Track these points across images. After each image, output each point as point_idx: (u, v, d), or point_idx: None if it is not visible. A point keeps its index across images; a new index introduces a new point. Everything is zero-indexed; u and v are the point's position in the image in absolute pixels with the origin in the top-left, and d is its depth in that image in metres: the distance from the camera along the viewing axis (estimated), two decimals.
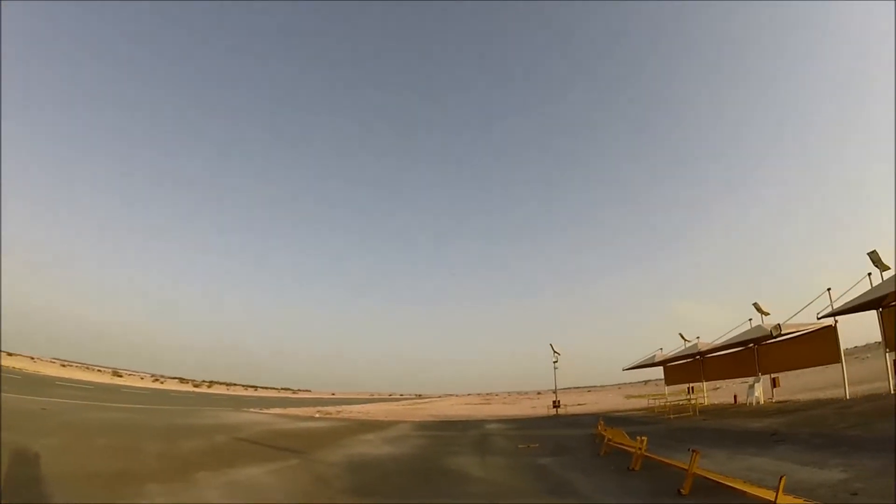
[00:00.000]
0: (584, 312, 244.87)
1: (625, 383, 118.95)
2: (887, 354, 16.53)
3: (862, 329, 23.42)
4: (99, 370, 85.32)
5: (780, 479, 5.24)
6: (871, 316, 17.43)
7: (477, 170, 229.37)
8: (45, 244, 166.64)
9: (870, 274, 17.03)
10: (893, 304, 16.57)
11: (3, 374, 31.00)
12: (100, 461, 9.37)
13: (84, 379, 54.95)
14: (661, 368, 34.36)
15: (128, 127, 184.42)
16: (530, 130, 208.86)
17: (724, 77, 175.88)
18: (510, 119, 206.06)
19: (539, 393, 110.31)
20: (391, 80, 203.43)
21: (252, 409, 34.69)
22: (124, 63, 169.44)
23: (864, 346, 47.25)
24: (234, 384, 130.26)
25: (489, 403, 67.84)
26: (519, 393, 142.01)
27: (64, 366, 75.03)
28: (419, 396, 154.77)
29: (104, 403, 25.13)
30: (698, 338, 28.66)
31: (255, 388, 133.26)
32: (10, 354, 59.65)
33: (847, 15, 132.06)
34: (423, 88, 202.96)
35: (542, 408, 40.53)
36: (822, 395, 19.77)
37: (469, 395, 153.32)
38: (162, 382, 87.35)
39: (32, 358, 64.97)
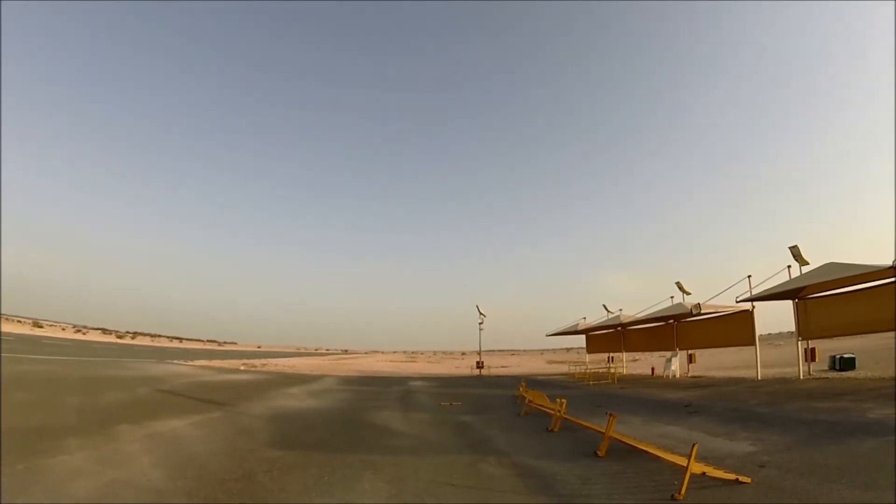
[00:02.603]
0: (511, 279, 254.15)
1: (547, 349, 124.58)
2: (799, 342, 17.72)
3: (777, 319, 25.11)
4: (19, 321, 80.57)
5: (693, 446, 5.31)
6: (787, 307, 18.49)
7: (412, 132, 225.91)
8: None
9: (789, 266, 17.90)
10: (809, 296, 17.64)
11: None
12: (17, 416, 8.84)
13: (3, 330, 51.64)
14: (583, 337, 35.61)
15: None
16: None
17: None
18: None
19: (464, 354, 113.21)
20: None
21: (176, 361, 33.57)
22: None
23: (778, 334, 51.54)
24: (159, 335, 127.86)
25: (414, 361, 69.21)
26: (444, 353, 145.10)
27: None
28: (345, 352, 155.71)
29: (23, 356, 24.01)
30: (621, 310, 29.56)
31: (181, 339, 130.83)
32: None
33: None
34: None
35: (465, 368, 41.54)
36: (734, 373, 21.07)
37: (395, 352, 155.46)
38: (84, 333, 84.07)
39: None
